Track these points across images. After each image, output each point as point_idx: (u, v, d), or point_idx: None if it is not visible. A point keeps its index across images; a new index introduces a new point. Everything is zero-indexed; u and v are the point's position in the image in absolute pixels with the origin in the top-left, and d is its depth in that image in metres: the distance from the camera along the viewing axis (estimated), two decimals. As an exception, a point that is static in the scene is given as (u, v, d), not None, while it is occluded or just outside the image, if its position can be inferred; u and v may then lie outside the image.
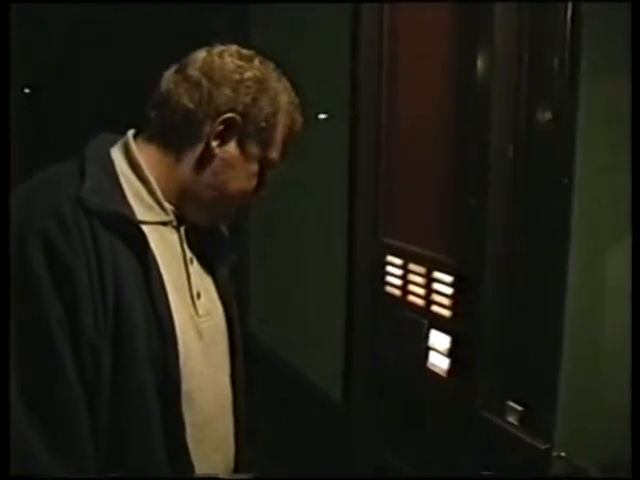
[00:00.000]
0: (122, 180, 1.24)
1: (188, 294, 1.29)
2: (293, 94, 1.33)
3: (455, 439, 1.67)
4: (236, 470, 1.40)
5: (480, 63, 1.55)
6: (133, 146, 1.28)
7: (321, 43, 2.36)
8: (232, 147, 1.27)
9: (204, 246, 1.36)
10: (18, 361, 1.12)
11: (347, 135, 2.05)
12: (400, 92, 1.90)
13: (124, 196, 1.23)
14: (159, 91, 1.28)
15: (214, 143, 1.25)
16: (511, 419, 1.52)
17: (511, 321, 1.55)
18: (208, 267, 1.38)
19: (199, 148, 1.25)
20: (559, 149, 1.41)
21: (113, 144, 1.29)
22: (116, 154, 1.27)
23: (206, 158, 1.26)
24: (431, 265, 1.75)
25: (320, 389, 2.41)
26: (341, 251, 2.11)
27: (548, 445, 1.41)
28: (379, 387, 2.01)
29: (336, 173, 2.12)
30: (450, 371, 1.69)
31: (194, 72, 1.25)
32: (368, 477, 2.04)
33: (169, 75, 1.28)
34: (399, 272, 1.88)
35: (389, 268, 1.92)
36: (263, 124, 1.27)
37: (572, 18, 1.37)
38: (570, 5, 1.37)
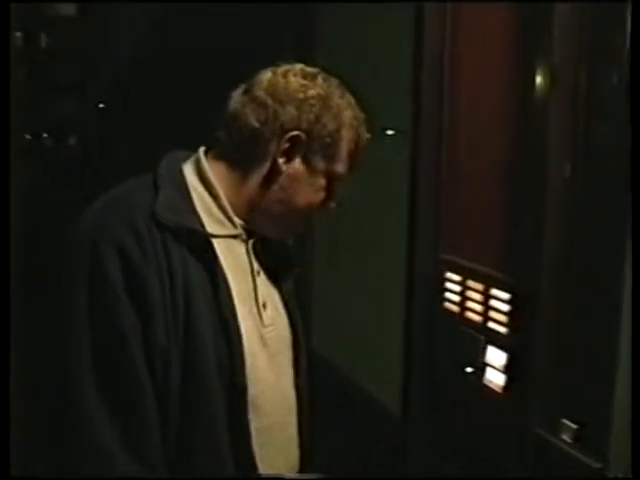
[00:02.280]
0: (193, 195, 1.31)
1: (254, 305, 1.35)
2: (357, 109, 1.38)
3: (509, 456, 1.67)
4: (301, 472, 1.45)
5: (539, 79, 1.56)
6: (204, 163, 1.34)
7: (384, 58, 2.40)
8: (298, 163, 1.32)
9: (270, 258, 1.42)
10: (93, 364, 1.20)
11: (409, 151, 2.09)
12: (461, 109, 1.93)
13: (195, 210, 1.30)
14: (227, 111, 1.35)
15: (280, 160, 1.31)
16: (565, 437, 1.52)
17: (566, 339, 1.55)
18: (273, 278, 1.44)
19: (266, 165, 1.32)
20: (617, 167, 1.41)
21: (185, 160, 1.37)
22: (188, 170, 1.34)
23: (273, 175, 1.32)
24: (489, 282, 1.77)
25: (380, 403, 2.43)
26: (401, 267, 2.14)
27: (601, 464, 1.40)
28: (437, 402, 2.03)
29: (398, 189, 2.15)
30: (506, 387, 1.70)
31: (260, 92, 1.31)
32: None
33: (236, 96, 1.35)
34: (457, 288, 1.90)
35: (448, 284, 1.94)
36: (328, 140, 1.32)
37: (632, 34, 1.37)
38: (629, 20, 1.37)
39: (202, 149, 1.38)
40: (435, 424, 2.03)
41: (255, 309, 1.35)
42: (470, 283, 1.84)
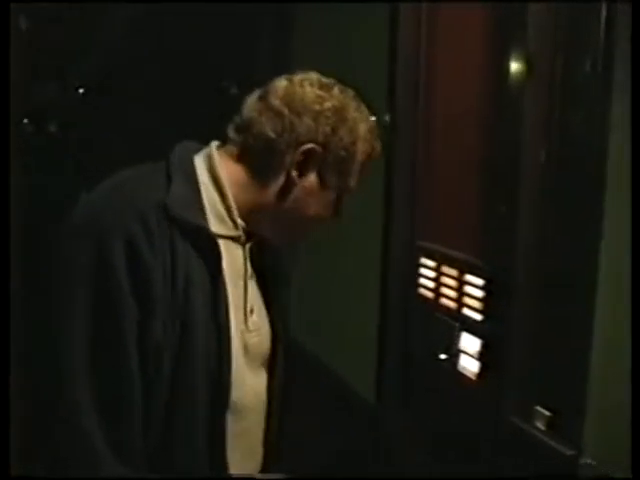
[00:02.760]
0: (202, 190, 1.28)
1: (242, 309, 1.33)
2: (371, 121, 1.35)
3: (483, 443, 1.67)
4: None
5: (513, 66, 1.55)
6: (216, 160, 1.32)
7: (358, 42, 2.37)
8: (312, 176, 1.30)
9: (262, 262, 1.41)
10: (86, 352, 1.17)
11: (386, 138, 2.06)
12: (437, 96, 1.91)
13: (202, 207, 1.27)
14: (242, 116, 1.32)
15: (294, 173, 1.29)
16: (539, 424, 1.51)
17: (541, 326, 1.54)
18: (262, 283, 1.42)
19: (280, 176, 1.29)
20: (592, 154, 1.40)
21: (196, 152, 1.34)
22: (199, 163, 1.31)
23: (287, 186, 1.30)
24: (463, 268, 1.76)
25: (354, 390, 2.42)
26: (377, 252, 2.12)
27: (574, 452, 1.40)
28: (411, 388, 2.02)
29: (373, 176, 2.13)
30: (480, 374, 1.69)
31: (276, 102, 1.28)
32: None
33: (252, 102, 1.32)
34: (432, 274, 1.89)
35: (422, 270, 1.93)
36: (343, 153, 1.30)
37: (607, 19, 1.35)
38: (605, 5, 1.35)
39: (214, 144, 1.35)
40: (409, 410, 2.03)
41: (242, 313, 1.33)
42: (445, 269, 1.83)
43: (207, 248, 1.24)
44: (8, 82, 1.29)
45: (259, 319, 1.38)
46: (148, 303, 1.18)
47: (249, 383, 1.35)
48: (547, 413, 1.50)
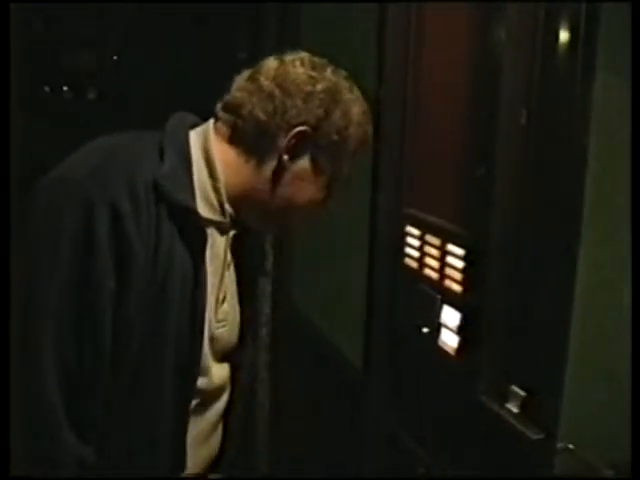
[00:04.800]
0: (194, 170, 1.22)
1: (214, 297, 1.29)
2: (365, 105, 1.29)
3: (456, 421, 1.59)
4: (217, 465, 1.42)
5: (493, 23, 1.43)
6: (212, 140, 1.26)
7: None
8: (304, 160, 1.25)
9: (242, 253, 1.36)
10: (58, 319, 1.13)
11: (372, 109, 1.96)
12: (422, 65, 1.80)
13: (192, 188, 1.21)
14: (232, 96, 1.26)
15: (286, 157, 1.23)
16: (513, 405, 1.42)
17: (519, 299, 1.44)
18: (238, 272, 1.37)
19: (271, 160, 1.24)
20: (575, 115, 1.29)
21: (193, 126, 1.28)
22: (194, 141, 1.25)
23: (277, 171, 1.25)
24: (446, 237, 1.66)
25: (343, 354, 2.37)
26: (364, 221, 2.04)
27: (542, 435, 1.31)
28: (395, 359, 1.94)
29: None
30: (459, 350, 1.60)
31: (267, 82, 1.22)
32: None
33: (242, 82, 1.26)
34: (417, 243, 1.79)
35: (408, 239, 1.84)
36: (335, 137, 1.24)
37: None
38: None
39: (212, 123, 1.28)
40: (393, 380, 1.96)
41: (214, 301, 1.29)
42: (428, 238, 1.73)
43: (193, 232, 1.20)
44: (8, 82, 1.24)
45: (229, 308, 1.35)
46: (127, 276, 1.14)
47: (214, 372, 1.32)
48: (522, 393, 1.41)
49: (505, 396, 1.44)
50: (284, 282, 2.93)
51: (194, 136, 1.26)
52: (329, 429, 2.42)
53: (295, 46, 1.34)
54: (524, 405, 1.41)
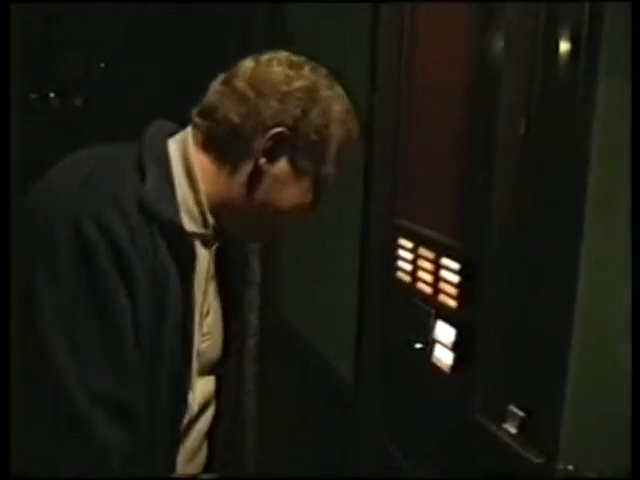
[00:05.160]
0: (176, 184, 1.17)
1: (199, 311, 1.24)
2: (347, 101, 1.23)
3: (452, 440, 1.53)
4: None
5: (492, 29, 1.38)
6: (191, 150, 1.20)
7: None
8: (282, 163, 1.19)
9: (226, 264, 1.31)
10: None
11: (365, 116, 1.91)
12: (417, 68, 1.75)
13: (177, 202, 1.16)
14: (206, 100, 1.21)
15: (262, 160, 1.17)
16: (510, 425, 1.36)
17: (516, 315, 1.39)
18: (222, 285, 1.33)
19: (248, 165, 1.18)
20: (576, 125, 1.24)
21: (171, 134, 1.23)
22: (174, 151, 1.20)
23: (255, 175, 1.19)
24: (440, 250, 1.60)
25: (334, 368, 2.31)
26: (356, 231, 1.98)
27: (542, 459, 1.25)
28: (387, 373, 1.89)
29: (354, 155, 1.98)
30: (454, 367, 1.54)
31: (240, 83, 1.18)
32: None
33: (217, 85, 1.21)
34: (410, 256, 1.74)
35: (401, 252, 1.78)
36: (314, 137, 1.19)
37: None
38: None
39: (190, 130, 1.23)
40: (385, 396, 1.90)
41: (198, 316, 1.24)
42: (422, 251, 1.68)
43: (181, 249, 1.15)
44: (8, 82, 1.19)
45: (213, 322, 1.30)
46: (130, 300, 1.09)
47: (197, 387, 1.26)
48: (520, 413, 1.35)
49: (502, 416, 1.39)
50: (272, 293, 2.87)
51: (173, 146, 1.21)
52: (318, 443, 2.37)
53: (286, 47, 1.29)
54: (522, 425, 1.35)
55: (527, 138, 1.33)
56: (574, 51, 1.23)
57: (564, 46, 1.25)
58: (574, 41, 1.22)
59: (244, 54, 1.25)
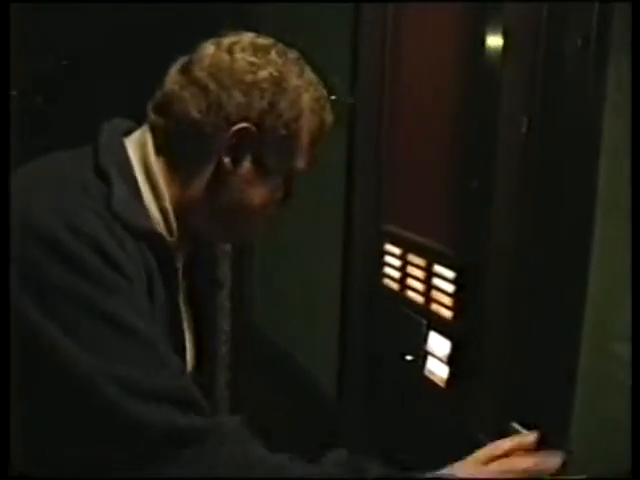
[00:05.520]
0: (142, 190, 1.07)
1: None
2: (320, 88, 1.13)
3: (450, 461, 1.44)
4: None
5: (489, 23, 1.30)
6: (152, 151, 1.09)
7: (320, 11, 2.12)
8: (248, 161, 1.10)
9: (195, 269, 1.23)
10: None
11: (345, 114, 1.82)
12: (403, 64, 1.66)
13: (146, 210, 1.06)
14: (162, 93, 1.10)
15: (226, 159, 1.07)
16: (514, 443, 1.28)
17: (519, 326, 1.30)
18: (190, 296, 1.24)
19: (211, 165, 1.09)
20: (583, 124, 1.16)
21: (127, 134, 1.12)
22: (132, 155, 1.09)
23: (220, 176, 1.09)
24: (432, 257, 1.51)
25: (316, 381, 2.22)
26: (338, 238, 1.89)
27: (554, 481, 1.17)
28: (373, 388, 1.79)
29: (335, 153, 1.89)
30: (449, 381, 1.45)
31: (200, 73, 1.07)
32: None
33: (173, 74, 1.10)
34: (398, 263, 1.64)
35: (387, 258, 1.69)
36: (283, 132, 1.09)
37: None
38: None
39: (148, 126, 1.12)
40: (370, 412, 1.81)
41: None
42: (412, 258, 1.59)
43: (162, 255, 1.07)
44: (8, 82, 1.11)
45: (184, 328, 1.20)
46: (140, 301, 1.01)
47: None
48: (524, 431, 1.27)
49: (504, 434, 1.30)
50: (243, 298, 2.78)
51: (131, 147, 1.10)
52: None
53: None
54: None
55: (529, 138, 1.24)
56: (581, 45, 1.14)
57: (570, 35, 1.16)
58: (581, 34, 1.14)
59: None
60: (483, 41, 1.30)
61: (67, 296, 0.91)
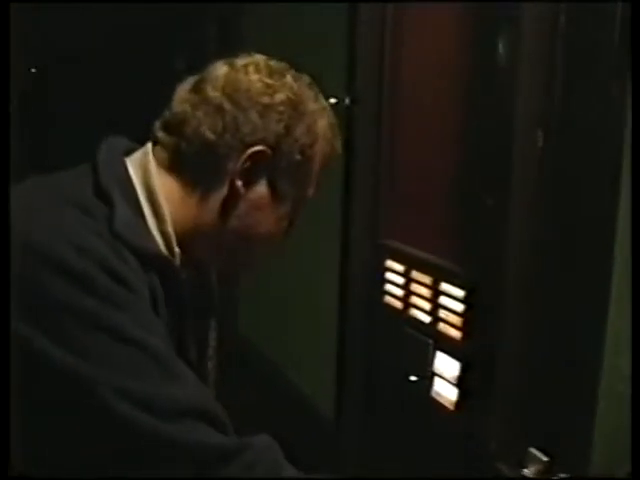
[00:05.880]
0: (145, 212, 1.02)
1: None
2: (332, 115, 1.10)
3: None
4: None
5: (503, 29, 1.25)
6: (153, 170, 1.04)
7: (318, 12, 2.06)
8: (261, 186, 1.06)
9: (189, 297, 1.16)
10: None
11: (345, 121, 1.75)
12: (405, 69, 1.60)
13: (150, 232, 1.03)
14: (172, 112, 1.05)
15: (239, 182, 1.04)
16: (531, 471, 1.22)
17: (535, 346, 1.25)
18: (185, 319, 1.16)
19: (222, 187, 1.05)
20: (604, 136, 1.11)
21: (128, 154, 1.06)
22: (134, 176, 1.03)
23: (230, 200, 1.05)
24: (438, 274, 1.46)
25: (311, 402, 2.14)
26: (335, 253, 1.82)
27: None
28: (373, 410, 1.73)
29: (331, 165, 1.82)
30: (458, 404, 1.40)
31: (214, 93, 1.03)
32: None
33: (184, 93, 1.05)
34: (400, 280, 1.59)
35: (389, 275, 1.63)
36: (298, 157, 1.06)
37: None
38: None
39: (150, 147, 1.07)
40: (370, 436, 1.74)
41: None
42: (416, 275, 1.53)
43: (167, 280, 1.02)
44: (8, 82, 1.02)
45: None
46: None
47: None
48: (543, 458, 1.21)
49: (521, 459, 1.25)
50: (227, 311, 2.71)
51: (132, 168, 1.04)
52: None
53: (239, 50, 1.13)
54: (545, 471, 1.21)
55: (546, 152, 1.19)
56: (604, 47, 1.10)
57: (590, 42, 1.12)
58: (603, 34, 1.09)
59: (194, 60, 1.09)
60: (495, 47, 1.25)
61: (76, 315, 0.87)
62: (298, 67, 1.13)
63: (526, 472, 1.23)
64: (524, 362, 1.27)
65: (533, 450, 1.24)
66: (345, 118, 1.73)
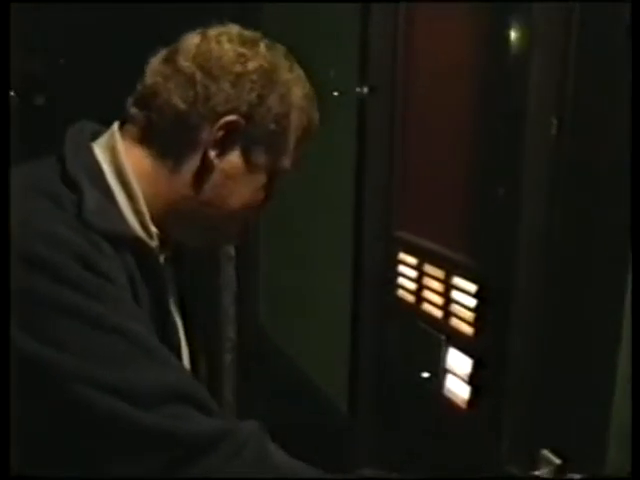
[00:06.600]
0: (116, 194, 1.01)
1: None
2: (308, 85, 1.08)
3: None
4: None
5: (516, 17, 1.20)
6: (121, 150, 1.02)
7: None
8: (235, 156, 1.05)
9: (180, 277, 1.18)
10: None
11: (356, 113, 1.71)
12: (418, 62, 1.56)
13: (123, 215, 1.01)
14: (144, 84, 1.03)
15: (212, 152, 1.03)
16: (544, 473, 1.18)
17: (549, 343, 1.20)
18: (178, 300, 1.17)
19: (195, 158, 1.04)
20: (619, 124, 1.06)
21: (94, 138, 1.05)
22: (102, 156, 1.02)
23: (203, 171, 1.04)
24: (451, 268, 1.41)
25: (325, 395, 2.11)
26: (348, 246, 1.79)
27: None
28: (387, 406, 1.69)
29: (344, 156, 1.79)
30: (471, 402, 1.36)
31: (186, 63, 1.02)
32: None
33: (156, 64, 1.04)
34: (413, 274, 1.54)
35: (402, 268, 1.59)
36: (272, 126, 1.05)
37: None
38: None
39: (116, 127, 1.06)
40: (384, 431, 1.71)
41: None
42: (428, 268, 1.49)
43: (145, 261, 1.01)
44: (8, 82, 1.04)
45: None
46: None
47: None
48: (557, 460, 1.17)
49: (534, 462, 1.20)
50: (249, 302, 2.68)
51: (99, 151, 1.03)
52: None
53: None
54: (558, 472, 1.17)
55: (560, 141, 1.14)
56: (618, 38, 1.04)
57: (605, 27, 1.06)
58: (617, 26, 1.04)
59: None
60: (507, 33, 1.20)
61: (51, 307, 0.86)
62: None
63: (538, 473, 1.19)
64: (537, 360, 1.22)
65: (545, 451, 1.19)
66: (358, 111, 1.70)
